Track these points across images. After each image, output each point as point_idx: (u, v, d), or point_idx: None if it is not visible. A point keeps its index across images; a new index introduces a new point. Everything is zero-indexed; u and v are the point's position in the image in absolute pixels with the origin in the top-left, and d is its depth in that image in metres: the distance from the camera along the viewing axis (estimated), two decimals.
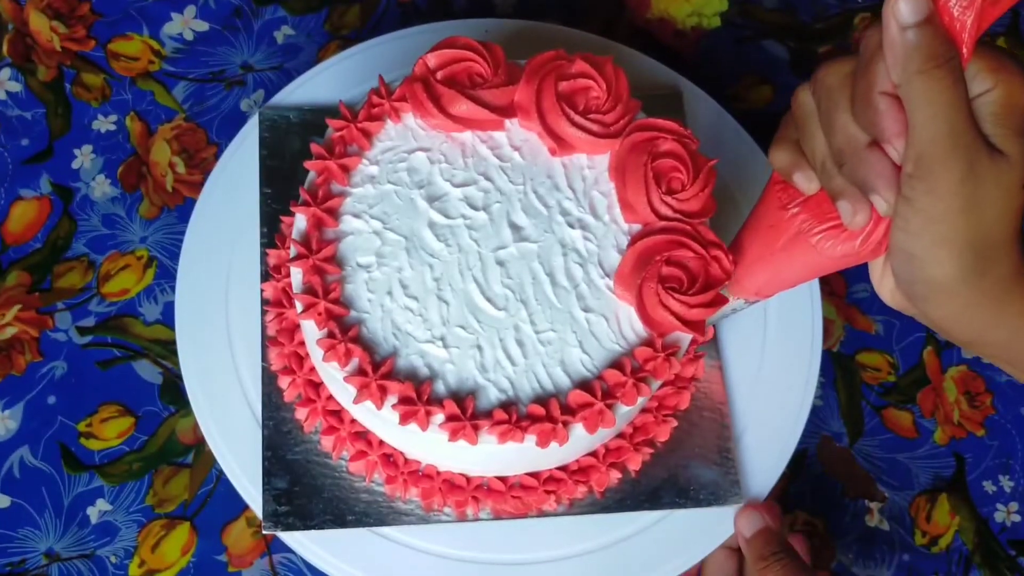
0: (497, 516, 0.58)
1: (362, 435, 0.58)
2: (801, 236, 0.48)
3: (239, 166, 0.66)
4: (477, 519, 0.58)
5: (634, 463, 0.59)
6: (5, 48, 0.73)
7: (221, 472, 0.62)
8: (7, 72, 0.73)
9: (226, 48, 0.74)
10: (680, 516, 0.59)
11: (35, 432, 0.64)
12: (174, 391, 0.65)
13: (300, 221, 0.54)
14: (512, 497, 0.57)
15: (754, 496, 0.60)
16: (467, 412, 0.50)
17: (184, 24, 0.75)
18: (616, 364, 0.52)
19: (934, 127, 0.39)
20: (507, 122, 0.56)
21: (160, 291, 0.67)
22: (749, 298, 0.54)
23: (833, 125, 0.43)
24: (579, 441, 0.52)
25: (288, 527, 0.57)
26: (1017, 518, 0.66)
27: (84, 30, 0.74)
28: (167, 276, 0.67)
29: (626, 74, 0.55)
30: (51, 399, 0.65)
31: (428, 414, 0.50)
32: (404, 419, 0.50)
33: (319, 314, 0.52)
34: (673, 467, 0.59)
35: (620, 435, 0.59)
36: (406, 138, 0.57)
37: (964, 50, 0.39)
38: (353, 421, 0.58)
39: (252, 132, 0.66)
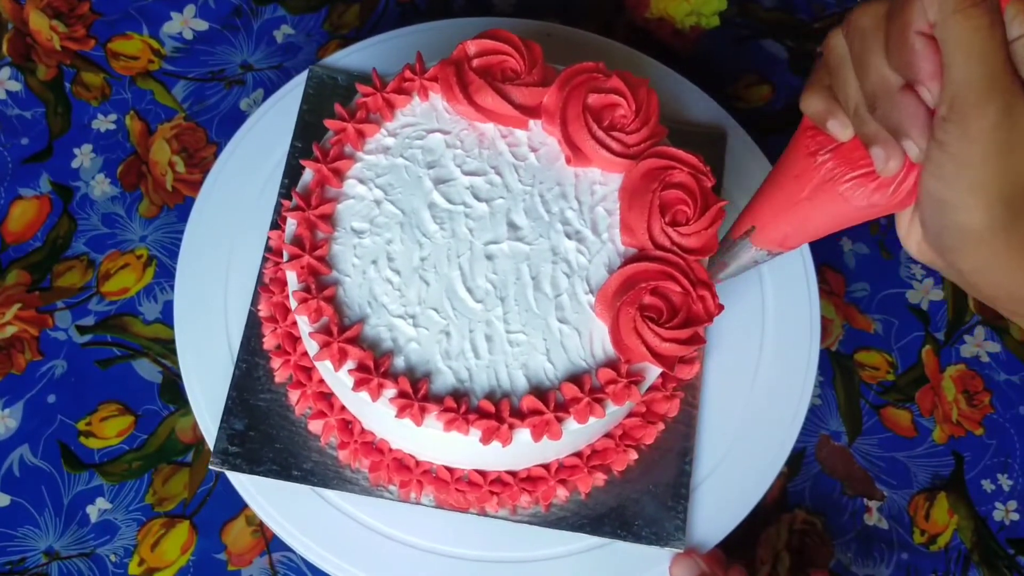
0: (439, 505, 0.58)
1: (326, 396, 0.59)
2: (829, 184, 0.47)
3: (239, 165, 0.66)
4: (419, 503, 0.58)
5: (584, 485, 0.58)
6: (5, 47, 0.74)
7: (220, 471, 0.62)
8: (7, 71, 0.73)
9: (226, 47, 0.74)
10: (701, 499, 0.60)
11: (35, 431, 0.64)
12: (173, 390, 0.65)
13: (307, 175, 0.56)
14: (456, 490, 0.57)
15: (698, 543, 0.59)
16: (419, 393, 0.51)
17: (184, 23, 0.75)
18: (576, 379, 0.52)
19: (970, 68, 0.38)
20: (531, 123, 0.57)
21: (160, 290, 0.67)
22: (773, 249, 0.52)
23: (866, 67, 0.42)
24: (526, 447, 0.51)
25: (234, 467, 0.58)
26: (1015, 516, 0.66)
27: (84, 29, 0.74)
28: (167, 275, 0.68)
29: (659, 99, 0.55)
30: (51, 398, 0.65)
31: (380, 386, 0.51)
32: (357, 385, 0.51)
33: (301, 267, 0.53)
34: (624, 497, 0.59)
35: (577, 454, 0.58)
36: (429, 117, 0.57)
37: None
38: (321, 381, 0.58)
39: (251, 131, 0.66)
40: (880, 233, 0.71)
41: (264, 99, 0.69)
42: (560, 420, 0.51)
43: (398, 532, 0.59)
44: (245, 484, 0.59)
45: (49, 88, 0.73)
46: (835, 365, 0.68)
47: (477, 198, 0.55)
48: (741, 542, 0.62)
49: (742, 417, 0.62)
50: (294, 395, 0.59)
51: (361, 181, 0.56)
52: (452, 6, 0.77)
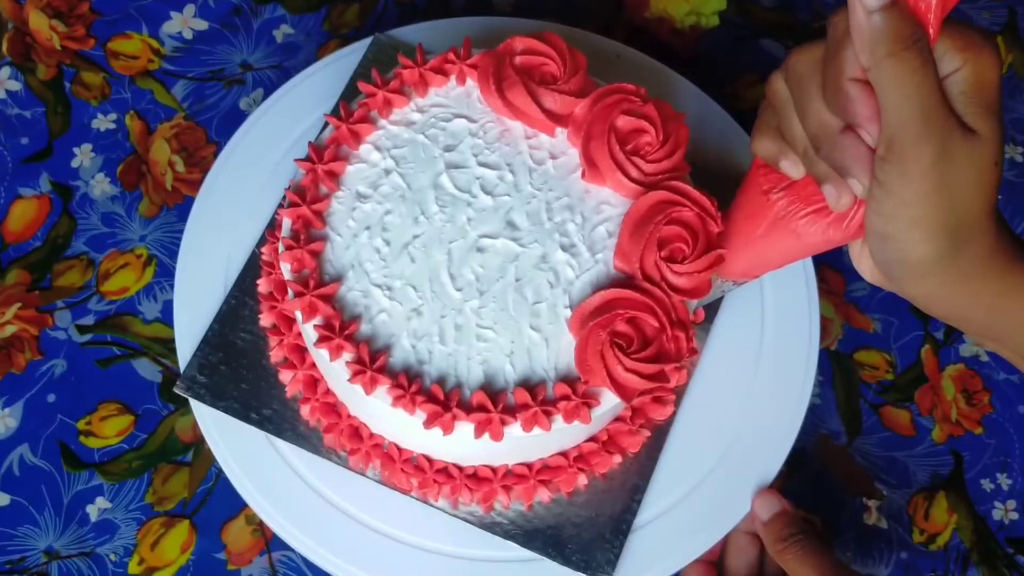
0: (383, 482, 0.58)
1: (301, 350, 0.59)
2: (783, 221, 0.49)
3: (238, 164, 0.66)
4: (364, 474, 0.58)
5: (528, 497, 0.58)
6: (5, 47, 0.74)
7: (220, 470, 0.62)
8: (7, 71, 0.73)
9: (225, 47, 0.74)
10: (701, 499, 0.60)
11: (35, 430, 0.64)
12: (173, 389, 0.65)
13: (327, 132, 0.56)
14: (401, 470, 0.58)
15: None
16: (375, 362, 0.51)
17: (183, 23, 0.75)
18: (531, 387, 0.52)
19: (905, 109, 0.39)
20: (558, 130, 0.57)
21: (159, 289, 0.67)
22: (737, 280, 0.54)
23: (806, 112, 0.43)
24: (469, 442, 0.51)
25: (197, 396, 0.60)
26: (1015, 516, 0.66)
27: (83, 29, 0.74)
28: (166, 274, 0.68)
29: (689, 133, 0.55)
30: (51, 397, 0.65)
31: (340, 347, 0.51)
32: (319, 341, 0.51)
33: (297, 216, 0.54)
34: (564, 519, 0.58)
35: (528, 465, 0.58)
36: (460, 103, 0.58)
37: (931, 31, 0.39)
38: (299, 334, 0.58)
39: (251, 131, 0.67)
40: None
41: (264, 99, 0.69)
42: (504, 423, 0.50)
43: (399, 531, 0.59)
44: (245, 484, 0.59)
45: (49, 88, 0.73)
46: (834, 364, 0.68)
47: (484, 190, 0.56)
48: None
49: (741, 416, 0.62)
50: (273, 341, 0.60)
51: (377, 148, 0.56)
52: (451, 5, 0.77)
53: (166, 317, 0.67)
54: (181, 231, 0.65)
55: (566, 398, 0.51)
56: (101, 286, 0.68)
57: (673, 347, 0.51)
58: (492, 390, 0.52)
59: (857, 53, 0.39)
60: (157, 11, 0.75)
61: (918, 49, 0.38)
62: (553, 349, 0.53)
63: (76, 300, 0.67)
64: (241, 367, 0.60)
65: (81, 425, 0.64)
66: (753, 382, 0.63)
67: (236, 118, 0.71)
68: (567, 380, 0.52)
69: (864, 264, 0.47)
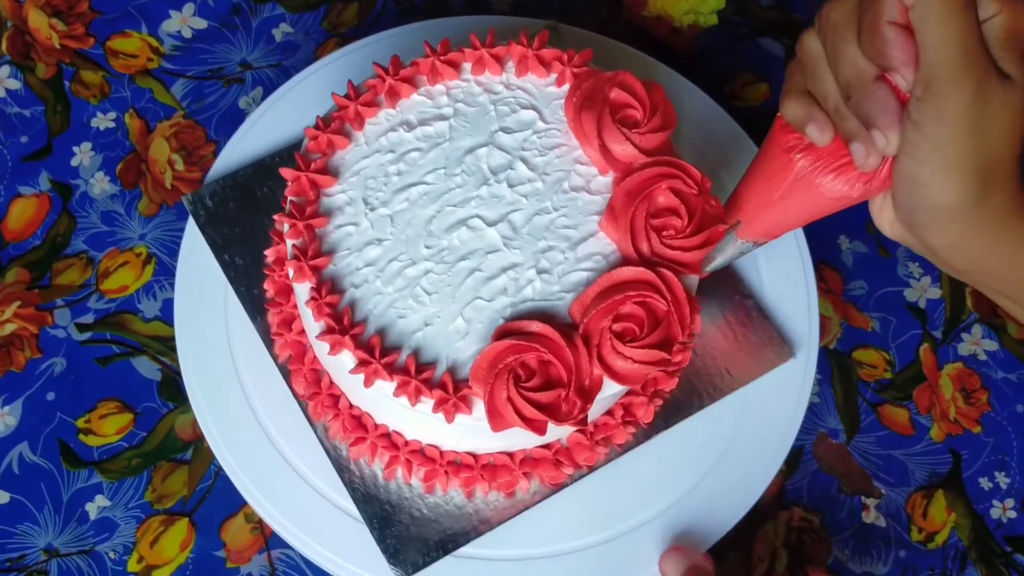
0: (300, 395, 0.60)
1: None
2: (804, 181, 0.48)
3: (238, 163, 0.66)
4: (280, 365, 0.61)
5: (390, 466, 0.58)
6: (4, 45, 0.74)
7: (219, 468, 0.62)
8: (6, 69, 0.73)
9: (225, 46, 0.74)
10: (685, 511, 0.60)
11: (34, 428, 0.64)
12: (173, 387, 0.65)
13: (416, 62, 0.58)
14: (315, 392, 0.59)
15: None
16: (313, 258, 0.52)
17: (183, 22, 0.75)
18: (423, 362, 0.51)
19: (946, 48, 0.39)
20: (611, 171, 0.56)
21: (159, 288, 0.68)
22: (758, 240, 0.53)
23: (840, 60, 0.43)
24: (344, 370, 0.51)
25: (194, 214, 0.63)
26: (1013, 514, 0.66)
27: (83, 27, 0.74)
28: (166, 273, 0.68)
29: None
30: (50, 395, 0.65)
31: (296, 232, 0.53)
32: (284, 216, 0.54)
33: (342, 107, 0.56)
34: (407, 504, 0.58)
35: (404, 438, 0.58)
36: (544, 99, 0.58)
37: None
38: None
39: (251, 130, 0.67)
40: (877, 231, 0.71)
41: (263, 97, 0.69)
42: (378, 374, 0.51)
43: None
44: (244, 482, 0.59)
45: (48, 86, 0.73)
46: (833, 363, 0.68)
47: (508, 181, 0.56)
48: (739, 539, 0.62)
49: (741, 415, 0.62)
50: (270, 252, 0.61)
51: (447, 93, 0.58)
52: (450, 4, 0.77)
53: (166, 315, 0.67)
54: (180, 230, 0.65)
55: (443, 389, 0.51)
56: (101, 284, 0.68)
57: (564, 407, 0.50)
58: (390, 342, 0.52)
59: None
60: (156, 10, 0.75)
61: None
62: (466, 344, 0.52)
63: (76, 298, 0.67)
64: (246, 214, 0.64)
65: (80, 423, 0.64)
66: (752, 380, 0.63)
67: (235, 117, 0.71)
68: (455, 376, 0.51)
69: (884, 216, 0.47)
